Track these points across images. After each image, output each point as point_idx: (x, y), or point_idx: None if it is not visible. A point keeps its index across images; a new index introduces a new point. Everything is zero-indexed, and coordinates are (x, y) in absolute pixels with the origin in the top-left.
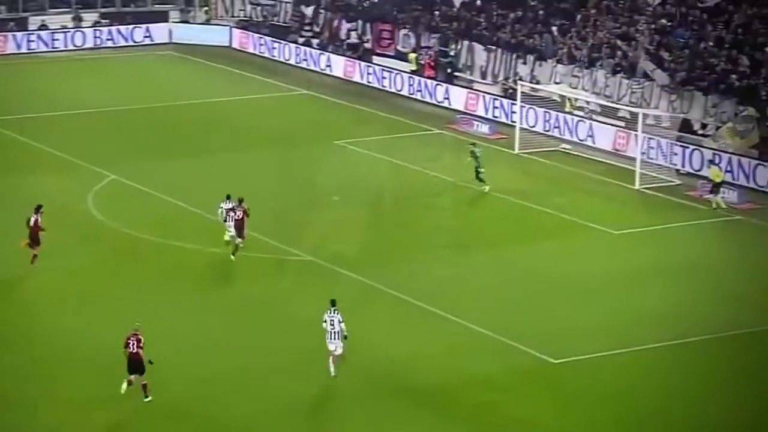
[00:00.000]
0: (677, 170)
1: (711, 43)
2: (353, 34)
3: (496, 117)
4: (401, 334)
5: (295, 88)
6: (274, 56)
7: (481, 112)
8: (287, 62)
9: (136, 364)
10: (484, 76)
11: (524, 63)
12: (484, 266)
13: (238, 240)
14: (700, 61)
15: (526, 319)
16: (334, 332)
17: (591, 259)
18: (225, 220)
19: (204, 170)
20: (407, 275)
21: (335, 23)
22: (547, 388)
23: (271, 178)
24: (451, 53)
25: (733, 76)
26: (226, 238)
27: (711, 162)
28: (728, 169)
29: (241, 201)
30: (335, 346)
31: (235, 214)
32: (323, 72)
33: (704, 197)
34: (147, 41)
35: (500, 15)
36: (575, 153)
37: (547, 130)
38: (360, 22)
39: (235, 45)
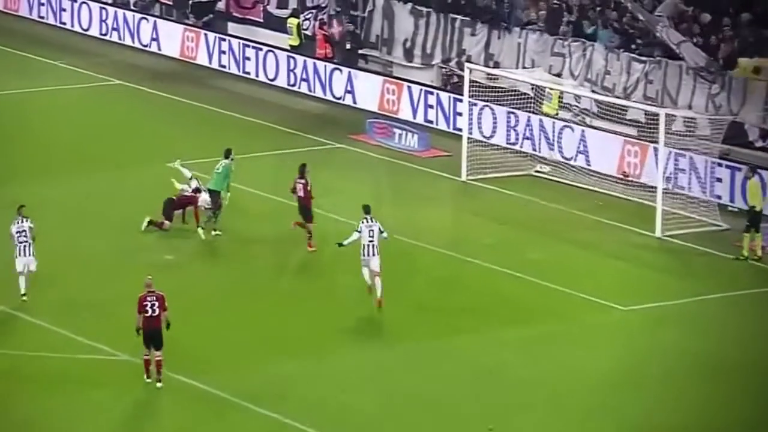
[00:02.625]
0: (721, 206)
1: None
2: None
3: (431, 122)
4: None
5: (102, 76)
6: (63, 24)
7: (405, 113)
8: (86, 33)
9: (154, 335)
10: (409, 55)
11: (473, 34)
12: (411, 368)
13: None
14: (759, 28)
15: None
16: (373, 245)
17: (585, 352)
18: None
19: None
20: (290, 383)
21: None
22: None
23: (67, 228)
24: (357, 17)
25: None
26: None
27: (754, 171)
28: None
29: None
30: (376, 263)
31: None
32: (146, 49)
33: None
34: None
35: None
36: (558, 180)
37: (513, 143)
38: None
39: None
